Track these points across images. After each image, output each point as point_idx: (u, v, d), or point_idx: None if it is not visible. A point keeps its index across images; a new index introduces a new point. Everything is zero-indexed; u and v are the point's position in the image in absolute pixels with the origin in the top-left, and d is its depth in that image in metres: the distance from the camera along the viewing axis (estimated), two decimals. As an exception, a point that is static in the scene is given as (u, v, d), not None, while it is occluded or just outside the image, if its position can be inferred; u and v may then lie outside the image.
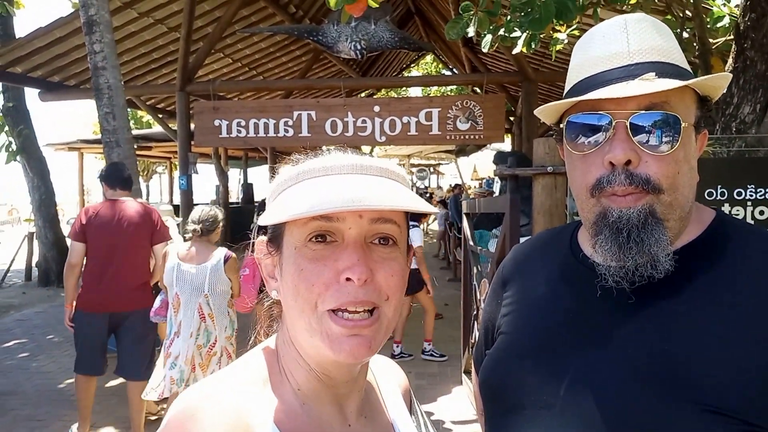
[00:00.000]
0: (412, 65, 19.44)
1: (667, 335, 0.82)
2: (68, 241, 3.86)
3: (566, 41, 3.68)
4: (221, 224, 3.68)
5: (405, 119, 7.45)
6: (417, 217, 5.90)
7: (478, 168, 20.55)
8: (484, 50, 3.03)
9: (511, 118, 11.32)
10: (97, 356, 3.82)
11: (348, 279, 0.66)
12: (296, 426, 0.70)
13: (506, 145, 13.12)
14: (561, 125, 0.93)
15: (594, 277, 0.89)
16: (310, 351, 0.72)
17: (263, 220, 0.70)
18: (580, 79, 0.90)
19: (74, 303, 3.77)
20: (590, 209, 0.88)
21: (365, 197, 0.65)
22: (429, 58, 20.17)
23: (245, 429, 0.65)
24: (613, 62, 0.86)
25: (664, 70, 0.84)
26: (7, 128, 9.52)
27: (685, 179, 0.86)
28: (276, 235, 0.75)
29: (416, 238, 5.71)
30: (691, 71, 0.88)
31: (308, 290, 0.68)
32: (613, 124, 0.84)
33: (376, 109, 7.53)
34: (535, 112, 0.97)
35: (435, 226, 13.94)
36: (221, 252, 3.59)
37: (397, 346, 5.72)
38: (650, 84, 0.81)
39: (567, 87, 0.93)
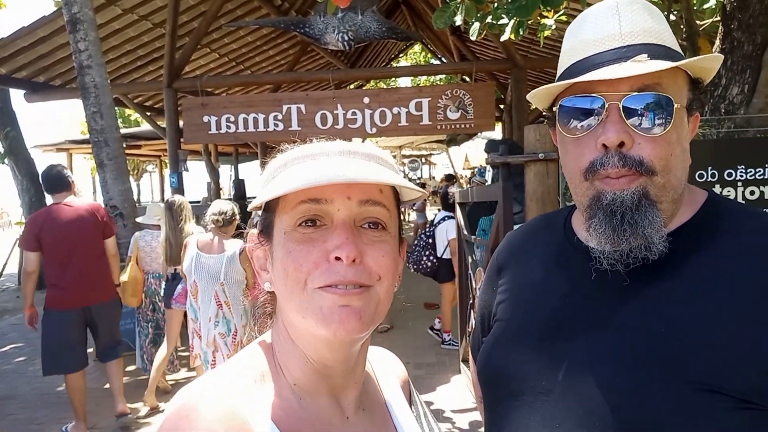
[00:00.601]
0: (401, 55, 19.36)
1: (662, 317, 0.83)
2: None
3: (554, 27, 3.68)
4: (237, 218, 3.97)
5: (395, 110, 7.43)
6: (452, 209, 5.97)
7: (469, 157, 20.56)
8: (472, 38, 3.02)
9: (501, 106, 11.31)
10: (80, 351, 4.03)
11: (337, 258, 0.66)
12: (293, 422, 0.70)
13: (497, 133, 13.12)
14: (554, 109, 0.92)
15: (588, 261, 0.89)
16: (304, 334, 0.71)
17: (253, 204, 0.70)
18: (572, 62, 0.90)
19: (33, 306, 3.99)
20: (584, 192, 0.88)
21: (351, 173, 0.65)
22: (417, 47, 20.08)
23: (242, 427, 0.65)
24: (605, 45, 0.86)
25: (656, 51, 0.84)
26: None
27: (678, 161, 0.86)
28: (266, 225, 0.75)
29: (451, 229, 5.74)
30: (682, 53, 0.89)
31: (297, 270, 0.68)
32: (606, 106, 0.84)
33: (366, 100, 7.51)
34: (528, 96, 0.97)
35: (413, 216, 14.02)
36: (237, 243, 3.84)
37: (448, 335, 5.82)
38: (642, 65, 0.81)
39: (559, 71, 0.93)
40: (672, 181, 0.86)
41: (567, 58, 0.91)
